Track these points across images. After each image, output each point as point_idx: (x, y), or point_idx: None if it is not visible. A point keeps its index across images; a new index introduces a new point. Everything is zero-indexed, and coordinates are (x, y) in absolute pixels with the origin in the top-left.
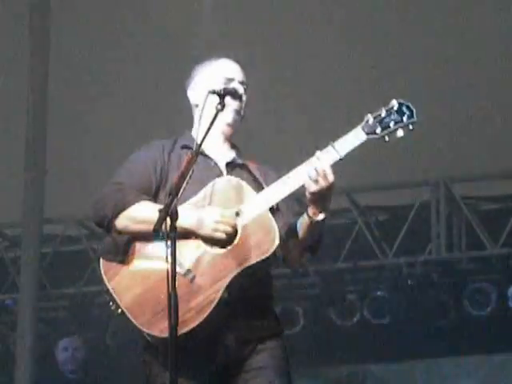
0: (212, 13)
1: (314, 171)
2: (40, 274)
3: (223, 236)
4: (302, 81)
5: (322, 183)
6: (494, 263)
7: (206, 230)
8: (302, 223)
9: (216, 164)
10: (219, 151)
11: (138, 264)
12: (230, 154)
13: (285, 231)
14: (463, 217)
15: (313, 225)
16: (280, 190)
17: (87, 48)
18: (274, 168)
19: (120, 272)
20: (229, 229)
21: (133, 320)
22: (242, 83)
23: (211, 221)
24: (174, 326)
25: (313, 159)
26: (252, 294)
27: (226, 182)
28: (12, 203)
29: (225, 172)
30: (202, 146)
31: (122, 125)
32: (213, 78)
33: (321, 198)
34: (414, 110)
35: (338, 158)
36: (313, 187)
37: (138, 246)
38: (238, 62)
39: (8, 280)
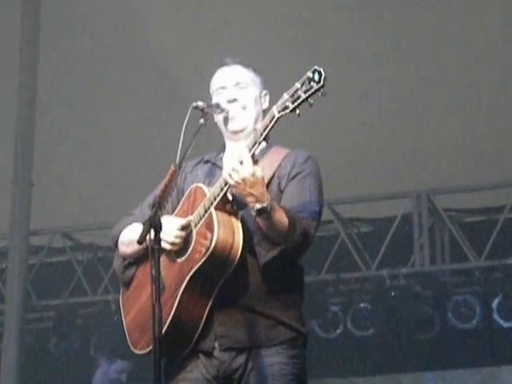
0: None
1: (230, 167)
2: (26, 285)
3: (168, 246)
4: None
5: (235, 177)
6: (478, 275)
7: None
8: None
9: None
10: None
11: (137, 285)
12: None
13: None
14: (446, 229)
15: (257, 217)
16: (218, 186)
17: (75, 62)
18: (303, 153)
19: (127, 294)
20: (170, 239)
21: (128, 340)
22: (236, 85)
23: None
24: (157, 338)
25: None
26: (240, 300)
27: (195, 189)
28: None
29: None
30: (223, 156)
31: (108, 139)
32: (211, 91)
33: (243, 191)
34: (323, 75)
35: (258, 140)
36: (230, 181)
37: (141, 266)
38: (236, 61)
39: None
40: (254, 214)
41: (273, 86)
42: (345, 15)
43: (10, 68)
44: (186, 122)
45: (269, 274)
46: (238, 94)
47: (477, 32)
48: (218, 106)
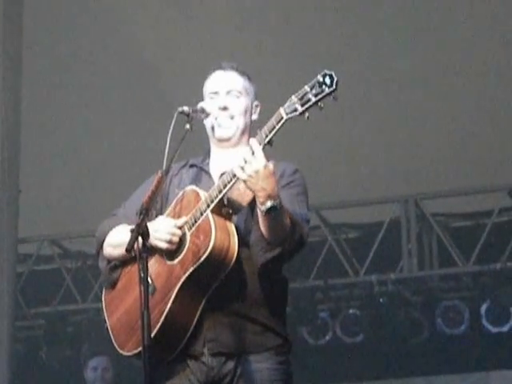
0: None
1: (241, 159)
2: (15, 293)
3: (164, 245)
4: None
5: (248, 169)
6: (466, 281)
7: (151, 240)
8: (258, 216)
9: (210, 176)
10: (223, 163)
11: (123, 286)
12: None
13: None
14: (434, 234)
15: (263, 215)
16: (216, 189)
17: (62, 67)
18: (290, 165)
19: (111, 294)
20: (168, 237)
21: (113, 341)
22: (229, 92)
23: (152, 230)
24: (145, 344)
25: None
26: (230, 305)
27: (188, 192)
28: None
29: (216, 182)
30: (209, 162)
31: (97, 146)
32: (204, 93)
33: (255, 185)
34: (335, 79)
35: (262, 142)
36: (241, 175)
37: (127, 267)
38: (232, 67)
39: None
40: (263, 211)
41: (262, 92)
42: (337, 19)
43: None
44: (171, 127)
45: (261, 279)
46: (228, 102)
47: (468, 40)
48: (202, 110)
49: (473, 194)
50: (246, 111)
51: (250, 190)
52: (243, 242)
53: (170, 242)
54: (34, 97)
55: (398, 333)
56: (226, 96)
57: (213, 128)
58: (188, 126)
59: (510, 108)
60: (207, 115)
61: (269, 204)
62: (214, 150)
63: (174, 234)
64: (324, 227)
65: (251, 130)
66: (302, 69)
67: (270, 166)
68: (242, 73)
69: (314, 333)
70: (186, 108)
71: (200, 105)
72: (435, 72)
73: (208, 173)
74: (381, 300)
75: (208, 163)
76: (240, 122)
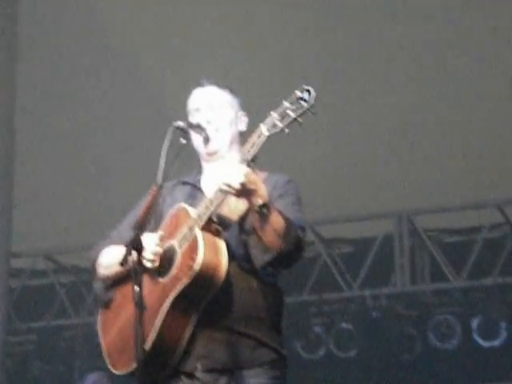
0: None
1: (225, 176)
2: (8, 308)
3: (149, 265)
4: None
5: (233, 184)
6: (458, 296)
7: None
8: (253, 220)
9: (203, 193)
10: (215, 177)
11: (117, 306)
12: None
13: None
14: (426, 249)
15: (257, 215)
16: (204, 206)
17: (56, 81)
18: (283, 176)
19: (106, 314)
20: (152, 257)
21: (106, 360)
22: (210, 106)
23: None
24: (140, 360)
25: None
26: (222, 321)
27: (179, 210)
28: None
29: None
30: (201, 178)
31: (91, 160)
32: (187, 111)
33: (244, 193)
34: (313, 94)
35: (245, 158)
36: (229, 190)
37: (121, 287)
38: (211, 83)
39: None
40: (256, 210)
41: (257, 104)
42: (330, 32)
43: None
44: (167, 141)
45: (253, 293)
46: (211, 116)
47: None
48: (198, 125)
49: (464, 210)
50: (230, 123)
51: (241, 198)
52: (234, 257)
53: (152, 261)
54: (29, 111)
55: (391, 347)
56: (208, 110)
57: (205, 142)
58: (183, 141)
59: (500, 125)
60: (203, 130)
61: (260, 201)
62: (205, 165)
63: (154, 253)
64: (318, 242)
65: (240, 141)
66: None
67: (251, 170)
68: (223, 86)
69: (307, 347)
70: (181, 123)
71: (195, 120)
72: (430, 89)
73: (200, 189)
74: (374, 314)
75: (200, 179)
76: (226, 133)
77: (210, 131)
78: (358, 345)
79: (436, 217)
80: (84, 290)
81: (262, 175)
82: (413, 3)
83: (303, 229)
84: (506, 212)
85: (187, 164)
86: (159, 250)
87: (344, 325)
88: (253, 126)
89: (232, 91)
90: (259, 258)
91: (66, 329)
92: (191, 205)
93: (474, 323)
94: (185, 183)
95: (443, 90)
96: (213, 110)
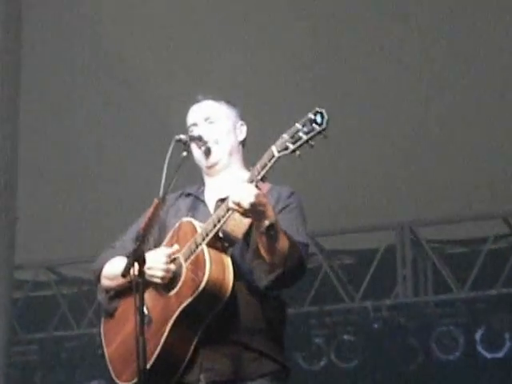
0: None
1: (235, 195)
2: (11, 319)
3: (158, 281)
4: None
5: (243, 204)
6: (461, 307)
7: (146, 275)
8: (257, 240)
9: (206, 205)
10: (218, 189)
11: (121, 316)
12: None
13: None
14: (429, 260)
15: (262, 235)
16: (212, 222)
17: (58, 94)
18: (286, 188)
19: (109, 324)
20: (160, 274)
21: (110, 371)
22: (206, 119)
23: (146, 267)
24: (141, 370)
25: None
26: (225, 333)
27: (184, 223)
28: None
29: (212, 211)
30: (204, 190)
31: (93, 172)
32: (187, 130)
33: (252, 214)
34: (326, 117)
35: (255, 179)
36: (238, 210)
37: (125, 297)
38: (207, 97)
39: None
40: (262, 231)
41: (265, 122)
42: (344, 51)
43: None
44: (168, 154)
45: (256, 306)
46: (209, 129)
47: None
48: (200, 138)
49: (468, 221)
50: (228, 134)
51: (248, 217)
52: (239, 272)
53: (162, 278)
54: (32, 123)
55: (393, 359)
56: (205, 124)
57: (206, 155)
58: (185, 154)
59: (504, 136)
60: (205, 143)
61: (267, 222)
62: (206, 178)
63: (167, 271)
64: (319, 253)
65: (240, 150)
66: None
67: (260, 192)
68: (219, 99)
69: (308, 358)
70: (183, 136)
71: (197, 132)
72: (433, 102)
73: (203, 201)
74: (376, 326)
75: (203, 191)
76: (225, 145)
77: (208, 141)
78: (360, 356)
79: (439, 228)
80: (85, 301)
81: (266, 187)
82: (431, 18)
83: (306, 245)
84: (511, 223)
85: (191, 176)
86: (172, 267)
87: (345, 336)
88: (263, 141)
89: (229, 103)
90: (263, 278)
91: (67, 339)
92: (193, 216)
93: (478, 335)
94: (188, 195)
95: (446, 103)
96: (210, 122)
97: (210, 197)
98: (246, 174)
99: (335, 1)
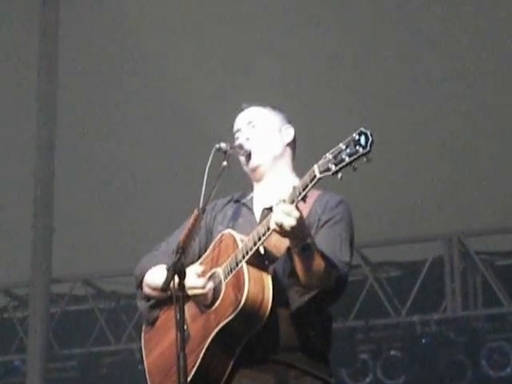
0: None
1: (278, 216)
2: (48, 334)
3: (198, 299)
4: None
5: (285, 226)
6: None
7: (188, 293)
8: (293, 259)
9: (253, 213)
10: (265, 196)
11: (161, 326)
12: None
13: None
14: (478, 272)
15: (297, 256)
16: (252, 240)
17: (94, 104)
18: (335, 196)
19: (150, 333)
20: (197, 291)
21: (148, 382)
22: (249, 124)
23: (187, 288)
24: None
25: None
26: (266, 352)
27: (226, 236)
28: (20, 262)
29: (258, 219)
30: (253, 196)
31: (131, 184)
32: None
33: (290, 235)
34: (370, 139)
35: (296, 199)
36: (279, 231)
37: (166, 306)
38: (251, 104)
39: (16, 340)
40: (298, 252)
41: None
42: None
43: (28, 112)
44: (208, 164)
45: (297, 323)
46: (250, 133)
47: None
48: (241, 147)
49: None
50: (271, 137)
51: (286, 238)
52: (280, 288)
53: (204, 299)
54: (69, 135)
55: (441, 375)
56: (247, 128)
57: (246, 161)
58: (225, 163)
59: None
60: (245, 151)
61: (302, 243)
62: (254, 184)
63: (207, 291)
64: (365, 266)
65: (287, 153)
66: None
67: (301, 214)
68: (264, 105)
69: (353, 375)
70: (223, 145)
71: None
72: (481, 111)
73: (250, 208)
74: (423, 341)
75: (251, 198)
76: (266, 148)
77: (249, 148)
78: (407, 372)
79: (488, 239)
80: (124, 315)
81: (315, 194)
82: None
83: (348, 264)
84: None
85: (238, 185)
86: (211, 286)
87: (392, 352)
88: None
89: (273, 107)
90: (295, 300)
91: (105, 355)
92: (239, 225)
93: None
94: (236, 201)
95: (497, 117)
96: (252, 126)
97: (258, 204)
98: (294, 181)
99: (379, 13)
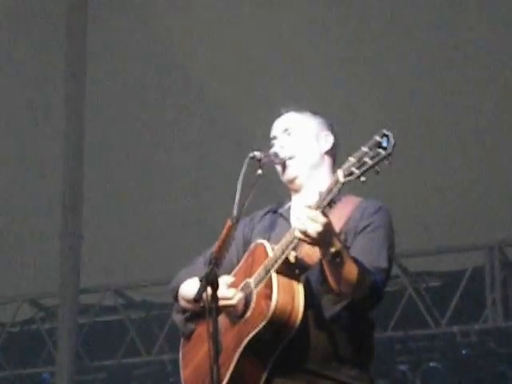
0: None
1: (301, 223)
2: (77, 345)
3: (229, 309)
4: None
5: (310, 233)
6: None
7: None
8: (324, 267)
9: (290, 224)
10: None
11: (197, 339)
12: None
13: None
14: None
15: (328, 264)
16: (280, 248)
17: (123, 113)
18: (374, 203)
19: (187, 346)
20: (227, 302)
21: None
22: (285, 131)
23: (219, 299)
24: None
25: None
26: (301, 362)
27: (258, 245)
28: (48, 273)
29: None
30: (290, 206)
31: (161, 192)
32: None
33: (318, 242)
34: (392, 141)
35: (321, 205)
36: (305, 239)
37: (202, 318)
38: (288, 110)
39: (44, 352)
40: (328, 259)
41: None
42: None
43: (56, 120)
44: (242, 172)
45: (332, 332)
46: (286, 141)
47: None
48: (276, 155)
49: None
50: (306, 145)
51: (314, 246)
52: (314, 297)
53: (235, 310)
54: (97, 144)
55: None
56: (282, 136)
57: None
58: (260, 172)
59: None
60: (281, 160)
61: (332, 250)
62: (292, 193)
63: (237, 299)
64: (403, 276)
65: (326, 162)
66: None
67: (328, 219)
68: (301, 109)
69: None
70: (257, 153)
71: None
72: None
73: (287, 219)
74: (464, 352)
75: (289, 208)
76: (302, 158)
77: (284, 157)
78: None
79: None
80: (155, 326)
81: (355, 201)
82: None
83: (385, 270)
84: None
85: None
86: (241, 296)
87: (431, 363)
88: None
89: (313, 112)
90: (328, 309)
91: (136, 367)
92: (277, 235)
93: None
94: (274, 212)
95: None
96: (288, 134)
97: (295, 214)
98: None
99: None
